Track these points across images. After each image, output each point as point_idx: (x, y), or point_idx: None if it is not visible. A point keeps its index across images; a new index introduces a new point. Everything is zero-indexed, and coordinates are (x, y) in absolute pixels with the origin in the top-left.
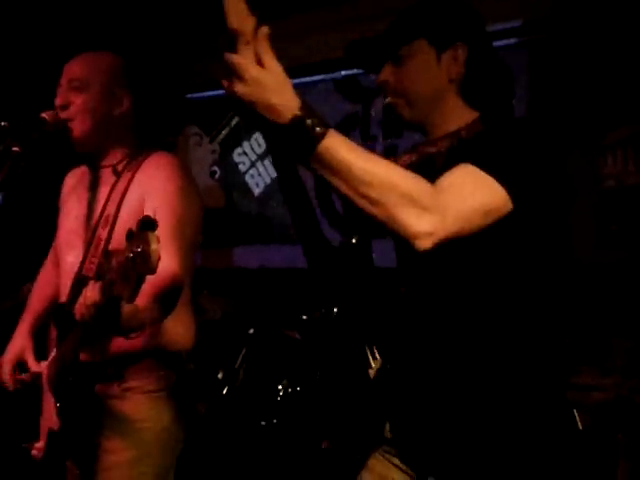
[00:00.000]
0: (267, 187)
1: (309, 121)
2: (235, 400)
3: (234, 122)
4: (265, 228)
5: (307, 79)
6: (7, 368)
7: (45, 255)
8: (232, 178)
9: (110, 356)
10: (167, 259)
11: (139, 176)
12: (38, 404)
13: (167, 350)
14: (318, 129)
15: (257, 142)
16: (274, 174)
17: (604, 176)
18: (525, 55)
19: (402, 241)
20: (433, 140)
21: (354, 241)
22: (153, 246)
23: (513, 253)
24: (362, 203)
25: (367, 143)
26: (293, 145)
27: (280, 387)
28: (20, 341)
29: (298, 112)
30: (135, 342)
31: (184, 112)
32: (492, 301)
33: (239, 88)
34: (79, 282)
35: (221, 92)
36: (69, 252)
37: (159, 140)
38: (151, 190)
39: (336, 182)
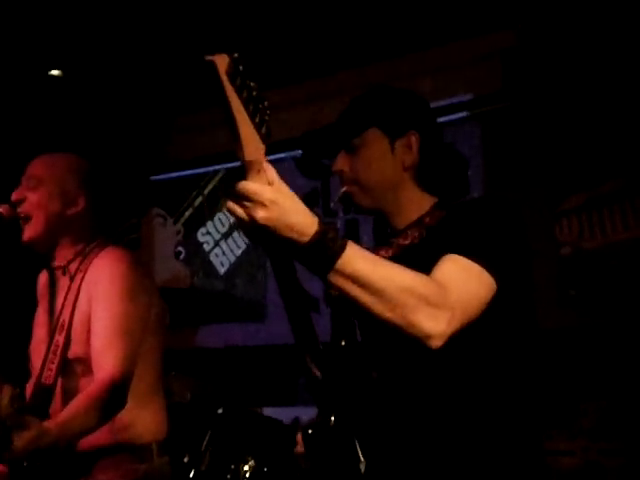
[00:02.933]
0: (232, 265)
1: (330, 236)
2: None
3: (197, 202)
4: (231, 306)
5: (269, 157)
6: None
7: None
8: (197, 258)
9: (77, 452)
10: (108, 366)
11: (87, 278)
12: None
13: (136, 443)
14: (339, 242)
15: (221, 222)
16: (239, 252)
17: (561, 243)
18: (477, 127)
19: (369, 323)
20: (402, 231)
21: (343, 343)
22: (3, 401)
23: (490, 328)
24: (379, 309)
25: (328, 219)
26: (313, 262)
27: (247, 468)
28: None
29: (318, 228)
30: (103, 437)
31: (148, 194)
32: (470, 378)
33: (260, 214)
34: (38, 389)
35: (183, 173)
36: (37, 360)
37: (123, 223)
38: (95, 293)
39: (353, 291)
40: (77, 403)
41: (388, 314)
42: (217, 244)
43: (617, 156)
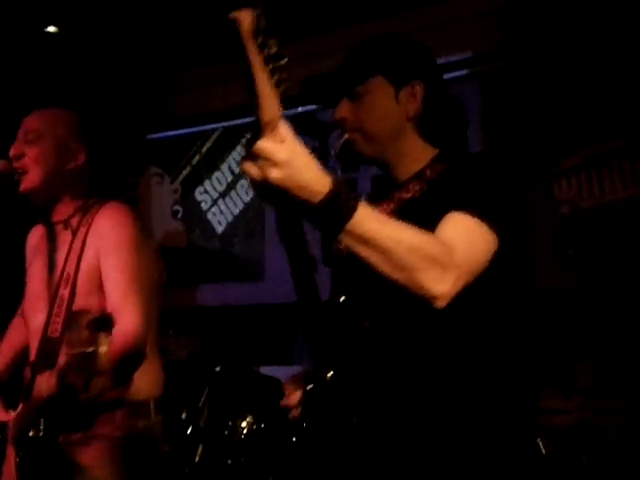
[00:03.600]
0: (229, 225)
1: (342, 196)
2: (200, 439)
3: (195, 161)
4: (229, 265)
5: None
6: None
7: (10, 310)
8: (194, 217)
9: (77, 407)
10: (128, 318)
11: (92, 232)
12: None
13: (134, 399)
14: (351, 202)
15: (218, 180)
16: (236, 211)
17: (559, 202)
18: (477, 85)
19: (365, 272)
20: (403, 184)
21: (342, 300)
22: (102, 349)
23: (487, 284)
24: (387, 270)
25: None
26: (324, 222)
27: (244, 424)
28: None
29: (331, 188)
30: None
31: (145, 153)
32: (464, 331)
33: (273, 174)
34: (45, 342)
35: (181, 132)
36: (36, 314)
37: (120, 182)
38: (104, 247)
39: (363, 251)
40: (109, 357)
41: (396, 275)
42: (215, 203)
43: (617, 115)
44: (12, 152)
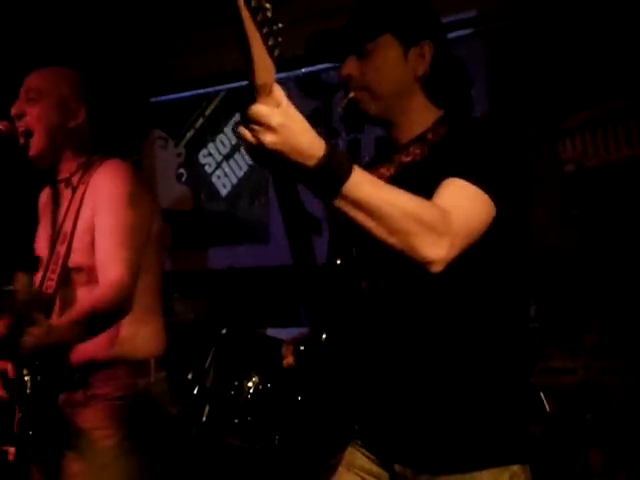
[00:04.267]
0: (234, 187)
1: (337, 159)
2: (207, 399)
3: (198, 124)
4: (234, 228)
5: None
6: None
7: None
8: (199, 180)
9: (76, 364)
10: (114, 269)
11: (90, 188)
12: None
13: (134, 358)
14: (346, 166)
15: (222, 143)
16: (241, 173)
17: (564, 161)
18: (481, 44)
19: (366, 241)
20: (404, 146)
21: (339, 262)
22: (17, 286)
23: (488, 245)
24: (382, 234)
25: (331, 139)
26: (319, 186)
27: (251, 384)
28: None
29: (326, 151)
30: (102, 350)
31: (148, 116)
32: (465, 291)
33: (269, 138)
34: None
35: (184, 94)
36: (40, 270)
37: (124, 145)
38: (98, 202)
39: (357, 216)
40: (85, 305)
41: (391, 239)
42: (219, 166)
43: (622, 74)
44: (13, 111)
